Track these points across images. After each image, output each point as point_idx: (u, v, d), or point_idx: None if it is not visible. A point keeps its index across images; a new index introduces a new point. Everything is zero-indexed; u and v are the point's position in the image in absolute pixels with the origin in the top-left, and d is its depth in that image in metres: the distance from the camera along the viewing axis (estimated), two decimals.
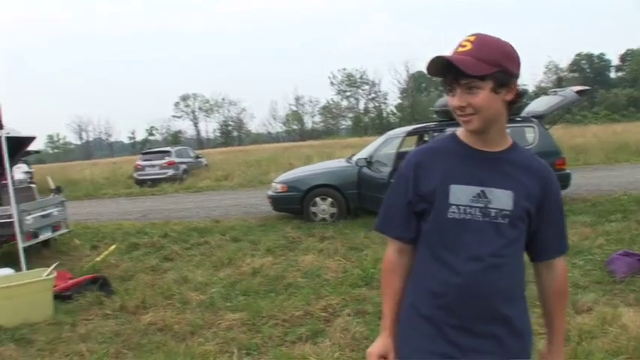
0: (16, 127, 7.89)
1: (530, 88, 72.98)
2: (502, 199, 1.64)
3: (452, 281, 1.65)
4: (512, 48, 1.62)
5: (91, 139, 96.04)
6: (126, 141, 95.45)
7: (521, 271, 1.72)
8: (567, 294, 1.87)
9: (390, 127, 44.55)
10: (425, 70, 1.67)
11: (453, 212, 1.66)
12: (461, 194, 1.66)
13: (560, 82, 68.04)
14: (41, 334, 4.80)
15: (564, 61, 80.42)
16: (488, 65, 1.55)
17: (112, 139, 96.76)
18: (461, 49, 1.58)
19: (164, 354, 4.00)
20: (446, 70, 1.59)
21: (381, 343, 1.80)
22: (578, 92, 10.27)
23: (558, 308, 1.81)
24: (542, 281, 1.81)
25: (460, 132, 1.75)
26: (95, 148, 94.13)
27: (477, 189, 1.65)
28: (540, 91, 14.08)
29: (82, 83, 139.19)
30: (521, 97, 1.66)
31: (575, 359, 3.38)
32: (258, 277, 6.20)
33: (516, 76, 1.62)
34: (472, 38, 1.60)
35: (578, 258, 5.99)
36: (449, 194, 1.66)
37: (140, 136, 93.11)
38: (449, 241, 1.67)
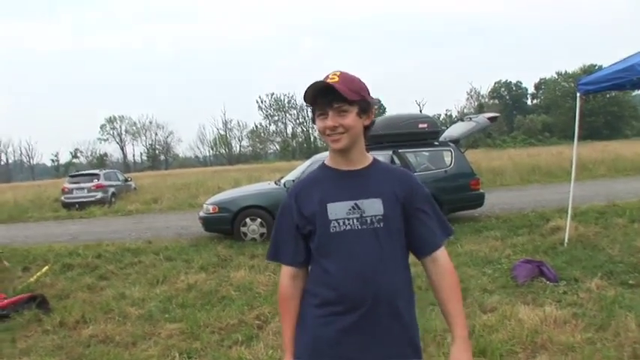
0: None
1: (454, 114, 75.97)
2: (373, 206, 1.87)
3: (342, 287, 1.85)
4: (366, 85, 1.93)
5: (10, 161, 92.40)
6: (49, 164, 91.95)
7: (404, 268, 1.93)
8: (457, 287, 1.96)
9: (317, 151, 45.22)
10: (302, 97, 1.89)
11: (335, 227, 1.87)
12: (337, 210, 1.88)
13: (481, 108, 70.62)
14: None
15: (485, 88, 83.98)
16: (355, 94, 1.84)
17: (33, 162, 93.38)
18: (331, 80, 1.83)
19: None
20: (320, 96, 1.85)
21: None
22: (490, 119, 11.26)
23: (452, 303, 1.92)
24: (432, 278, 1.96)
25: (327, 160, 2.00)
26: (15, 171, 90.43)
27: (350, 203, 1.88)
28: (463, 117, 15.04)
29: (1, 103, 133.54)
30: (372, 126, 1.95)
31: (477, 348, 3.91)
32: (194, 291, 6.48)
33: (371, 107, 1.93)
34: (338, 73, 1.86)
35: (487, 267, 6.65)
36: (327, 212, 1.88)
37: (64, 159, 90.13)
38: (335, 252, 1.87)
